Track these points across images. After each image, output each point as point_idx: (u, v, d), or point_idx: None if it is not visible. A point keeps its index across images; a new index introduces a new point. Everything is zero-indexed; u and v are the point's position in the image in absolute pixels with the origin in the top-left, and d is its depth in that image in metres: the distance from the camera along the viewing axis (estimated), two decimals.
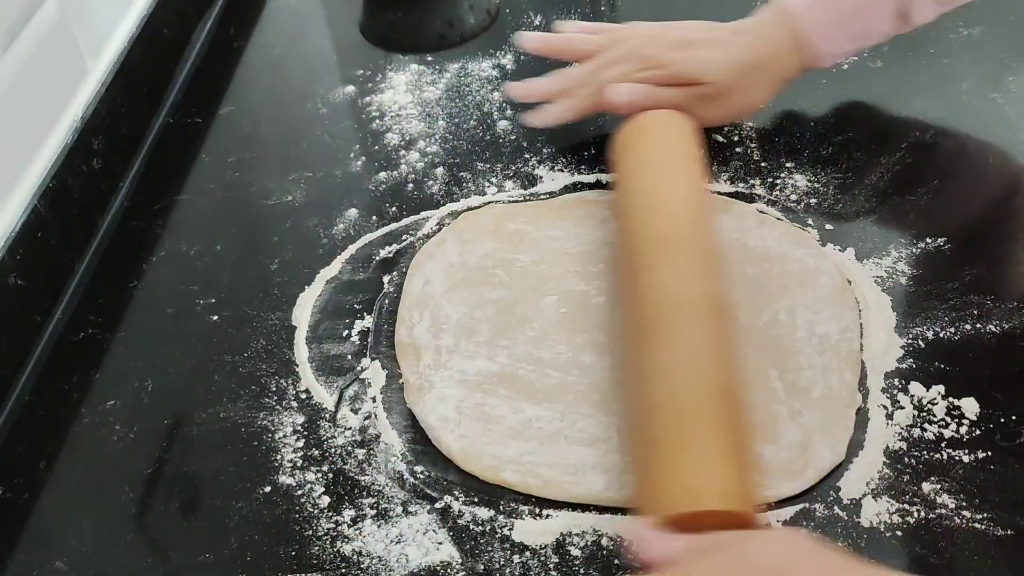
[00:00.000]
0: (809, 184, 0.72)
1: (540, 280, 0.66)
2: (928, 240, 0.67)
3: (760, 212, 0.69)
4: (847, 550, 0.51)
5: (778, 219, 0.69)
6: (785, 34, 0.69)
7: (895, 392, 0.58)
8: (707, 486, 0.48)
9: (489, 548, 0.53)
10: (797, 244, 0.67)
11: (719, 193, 0.71)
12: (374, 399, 0.61)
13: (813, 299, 0.63)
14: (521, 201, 0.73)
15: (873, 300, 0.63)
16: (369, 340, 0.65)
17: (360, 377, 0.62)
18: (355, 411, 0.60)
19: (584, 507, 0.55)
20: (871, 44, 0.72)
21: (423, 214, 0.73)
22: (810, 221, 0.69)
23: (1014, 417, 0.56)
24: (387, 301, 0.67)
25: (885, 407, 0.58)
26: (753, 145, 0.75)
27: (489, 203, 0.73)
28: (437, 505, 0.55)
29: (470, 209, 0.73)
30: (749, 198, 0.71)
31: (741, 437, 0.51)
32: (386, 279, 0.68)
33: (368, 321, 0.66)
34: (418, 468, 0.57)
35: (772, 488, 0.54)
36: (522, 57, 0.85)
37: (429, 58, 0.87)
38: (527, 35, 0.76)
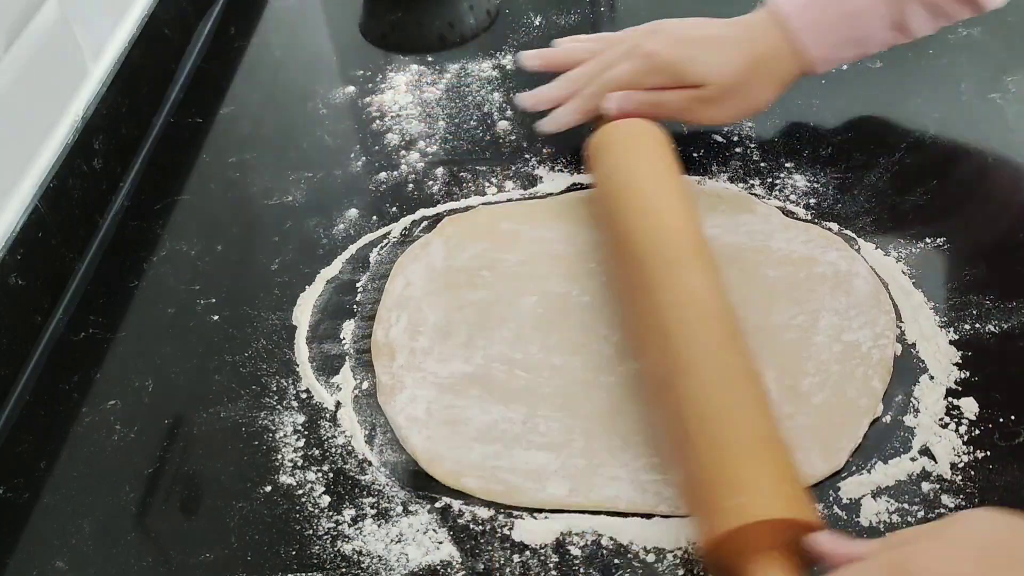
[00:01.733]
0: (809, 184, 0.72)
1: (522, 280, 0.66)
2: (928, 240, 0.67)
3: (784, 213, 0.69)
4: None
5: (807, 221, 0.68)
6: (779, 35, 0.68)
7: None
8: (785, 495, 0.48)
9: (489, 547, 0.53)
10: (828, 247, 0.65)
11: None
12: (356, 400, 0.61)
13: (846, 304, 0.62)
14: (517, 200, 0.73)
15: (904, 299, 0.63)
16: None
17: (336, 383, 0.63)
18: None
19: None
20: (871, 51, 0.71)
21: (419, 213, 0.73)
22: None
23: (1013, 417, 0.56)
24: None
25: None
26: (753, 145, 0.75)
27: (470, 206, 0.73)
28: (437, 504, 0.55)
29: (454, 212, 0.72)
30: None
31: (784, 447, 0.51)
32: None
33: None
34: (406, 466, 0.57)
35: None
36: None
37: (429, 58, 0.87)
38: (527, 53, 0.76)
